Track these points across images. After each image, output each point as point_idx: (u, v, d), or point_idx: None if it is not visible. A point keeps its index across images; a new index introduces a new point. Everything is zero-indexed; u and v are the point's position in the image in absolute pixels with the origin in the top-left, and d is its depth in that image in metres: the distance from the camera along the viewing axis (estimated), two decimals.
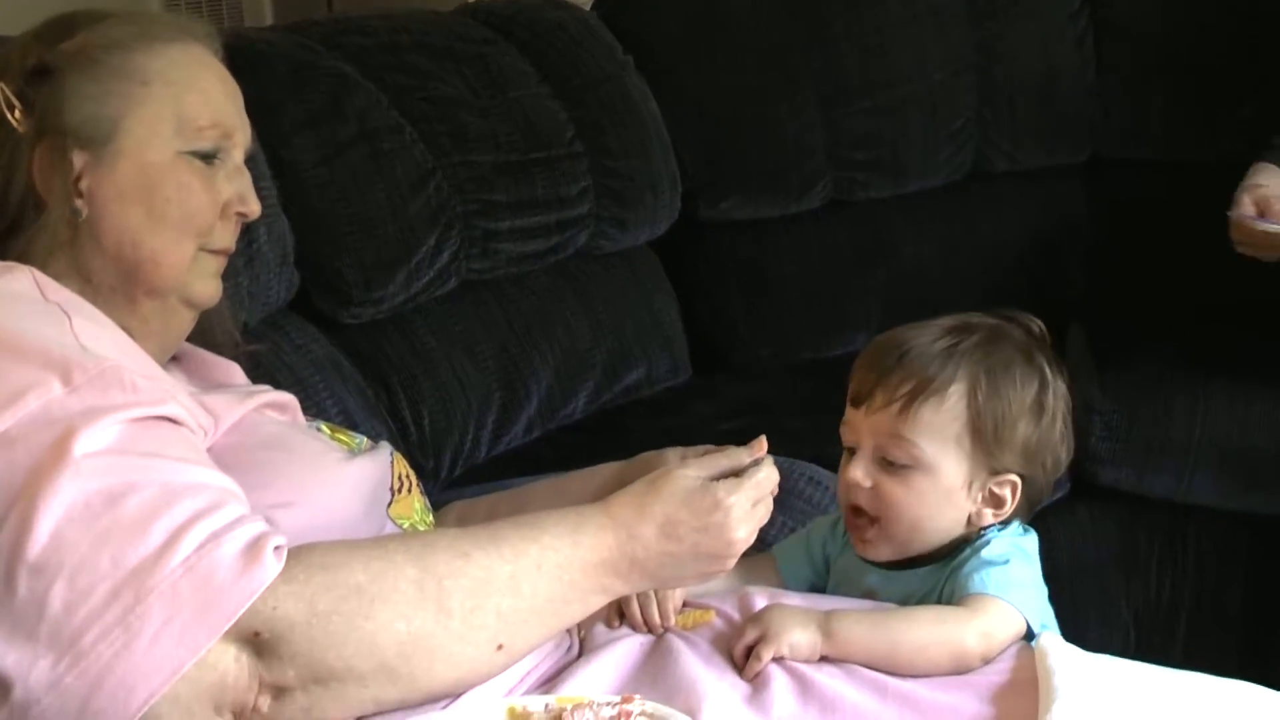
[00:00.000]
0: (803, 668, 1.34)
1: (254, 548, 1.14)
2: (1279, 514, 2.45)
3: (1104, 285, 2.71)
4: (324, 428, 1.60)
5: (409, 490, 1.53)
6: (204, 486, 1.18)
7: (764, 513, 1.33)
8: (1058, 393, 1.52)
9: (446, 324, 2.47)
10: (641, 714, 1.19)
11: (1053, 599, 1.53)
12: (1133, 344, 2.54)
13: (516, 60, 2.70)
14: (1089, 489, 2.53)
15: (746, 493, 1.30)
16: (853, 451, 1.52)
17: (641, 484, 1.32)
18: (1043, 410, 1.50)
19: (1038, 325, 1.57)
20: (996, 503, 1.50)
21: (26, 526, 1.09)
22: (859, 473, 1.49)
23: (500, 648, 1.23)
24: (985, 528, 1.51)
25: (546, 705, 1.22)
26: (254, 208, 1.48)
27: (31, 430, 1.13)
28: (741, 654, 1.36)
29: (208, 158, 1.42)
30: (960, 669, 1.37)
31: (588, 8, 3.11)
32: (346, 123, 2.34)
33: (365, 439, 1.59)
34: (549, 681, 1.33)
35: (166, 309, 1.44)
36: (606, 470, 1.64)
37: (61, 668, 1.08)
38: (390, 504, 1.48)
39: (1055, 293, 2.87)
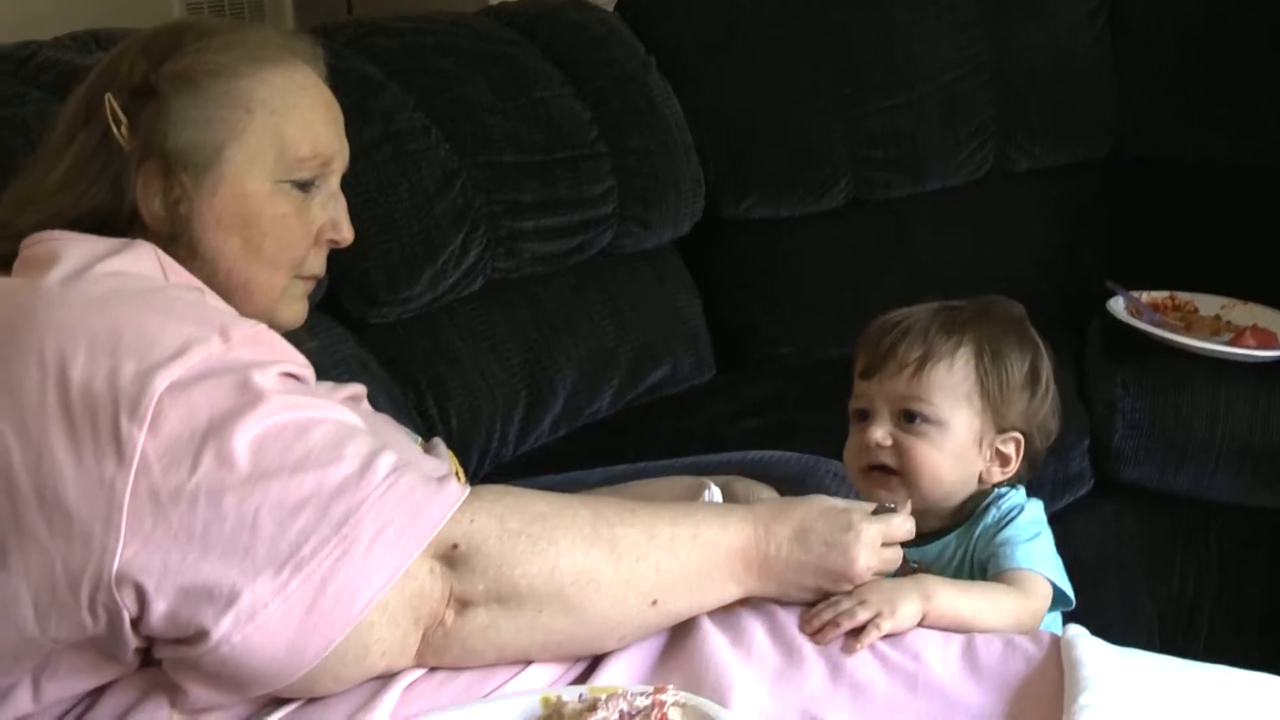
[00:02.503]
0: (836, 651, 1.36)
1: (440, 476, 1.25)
2: None
3: (1127, 283, 2.71)
4: None
5: None
6: (367, 430, 1.27)
7: (891, 557, 1.42)
8: (1047, 366, 1.64)
9: (472, 323, 2.49)
10: (674, 704, 1.21)
11: (1077, 594, 1.56)
12: (1153, 341, 2.55)
13: (540, 61, 2.72)
14: (1112, 486, 2.56)
15: (879, 526, 1.40)
16: (862, 417, 1.61)
17: (787, 498, 1.47)
18: (1038, 377, 1.62)
19: (1019, 308, 1.68)
20: (1003, 460, 1.61)
21: (226, 458, 1.16)
22: (879, 433, 1.58)
23: (655, 603, 1.31)
24: (997, 485, 1.62)
25: (580, 695, 1.24)
26: (347, 235, 1.51)
27: (204, 377, 1.18)
28: (848, 631, 1.37)
29: (304, 186, 1.45)
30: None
31: (610, 9, 3.13)
32: (372, 124, 2.35)
33: (418, 436, 1.64)
34: (584, 674, 1.34)
35: None
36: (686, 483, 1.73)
37: (285, 574, 1.15)
38: None
39: (1076, 290, 2.87)
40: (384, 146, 2.35)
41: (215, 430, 1.16)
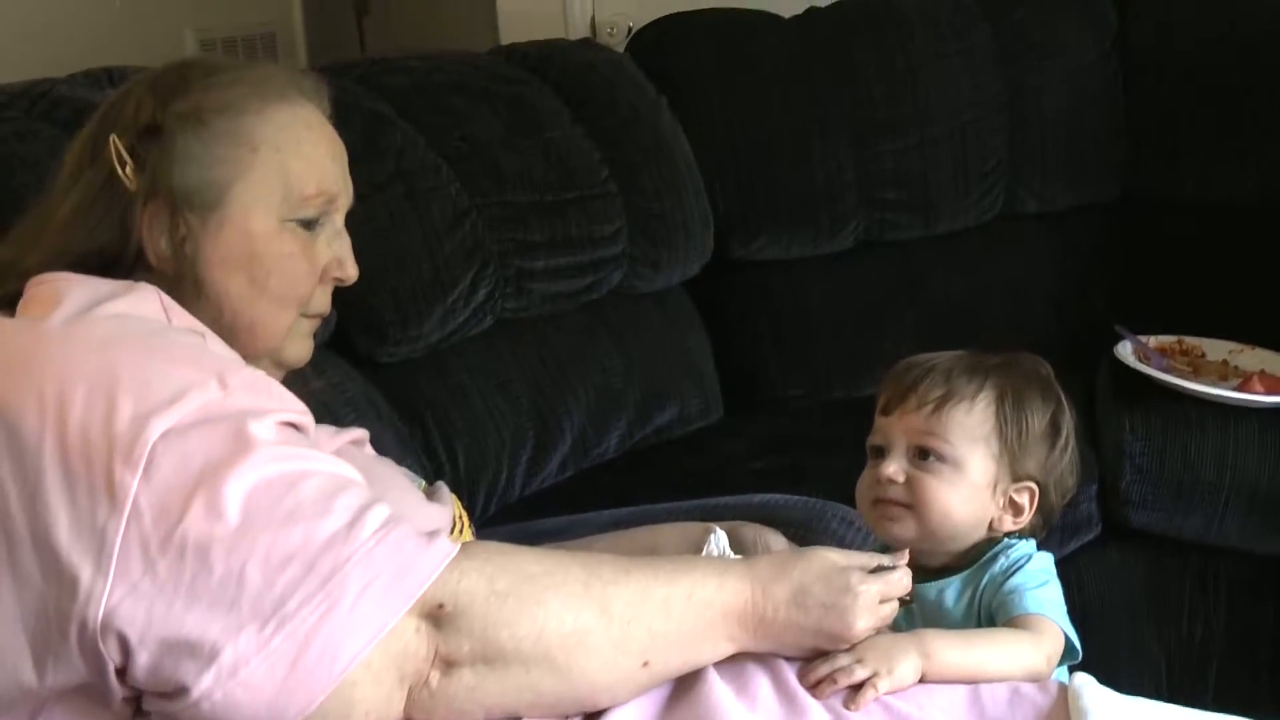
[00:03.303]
0: (838, 704, 1.36)
1: (430, 532, 1.23)
2: None
3: (1135, 326, 2.71)
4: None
5: (461, 530, 1.56)
6: (361, 481, 1.26)
7: (888, 612, 1.41)
8: (1070, 423, 1.64)
9: (481, 362, 2.50)
10: None
11: (1084, 640, 1.55)
12: (1161, 386, 2.55)
13: (550, 101, 2.73)
14: (1120, 531, 2.54)
15: (878, 586, 1.38)
16: (878, 453, 1.61)
17: (788, 552, 1.46)
18: (1058, 431, 1.62)
19: (1045, 366, 1.67)
20: (1016, 509, 1.60)
21: (216, 509, 1.14)
22: (893, 468, 1.58)
23: (646, 664, 1.30)
24: (1008, 534, 1.61)
25: None
26: (351, 272, 1.51)
27: (199, 424, 1.18)
28: (844, 687, 1.37)
29: (309, 224, 1.46)
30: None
31: (621, 49, 3.15)
32: (383, 162, 2.37)
33: (421, 479, 1.63)
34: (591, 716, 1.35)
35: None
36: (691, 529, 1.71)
37: (269, 630, 1.13)
38: None
39: (1086, 333, 2.85)
40: (395, 184, 2.36)
41: (206, 480, 1.15)
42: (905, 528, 1.58)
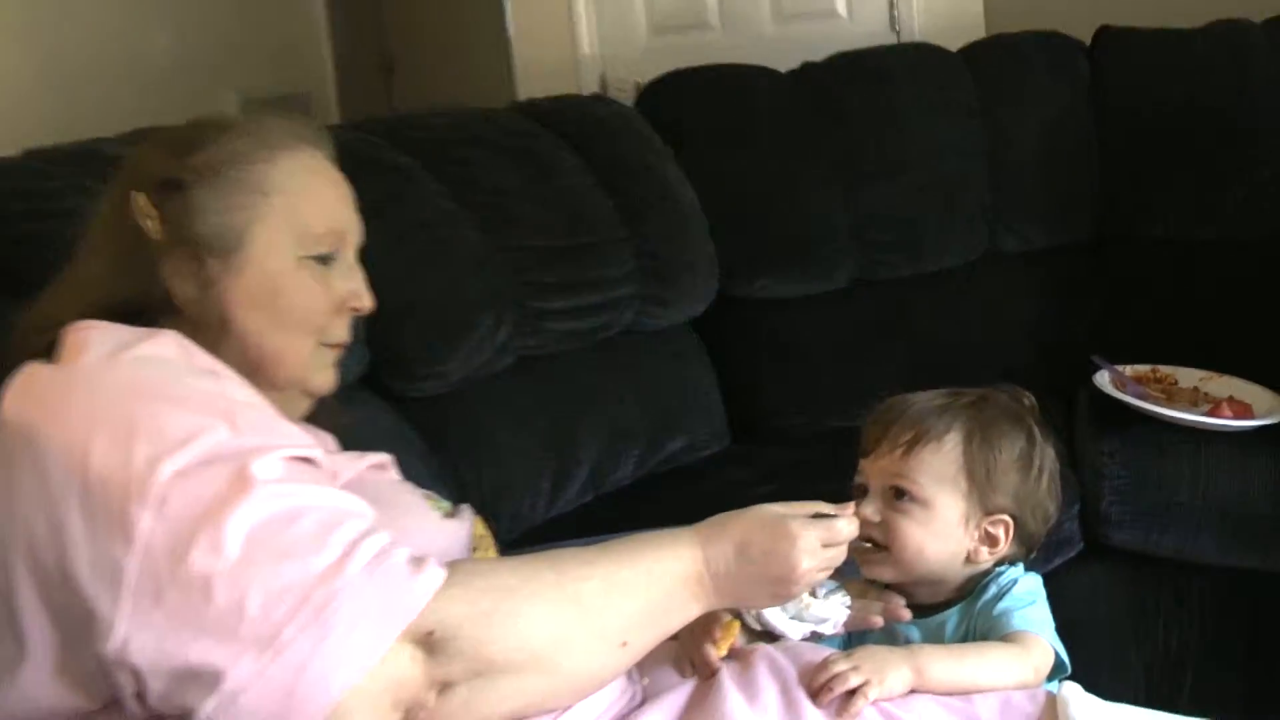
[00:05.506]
0: (836, 712, 1.44)
1: (419, 560, 1.27)
2: (1278, 570, 2.52)
3: (1112, 357, 2.79)
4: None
5: (486, 550, 1.64)
6: (363, 512, 1.31)
7: (835, 555, 1.47)
8: (1044, 452, 1.68)
9: (503, 397, 2.58)
10: None
11: (1068, 652, 1.63)
12: (1137, 412, 2.63)
13: (564, 153, 2.82)
14: (1100, 549, 2.61)
15: (817, 531, 1.44)
16: (860, 493, 1.66)
17: (729, 513, 1.47)
18: (1030, 463, 1.66)
19: (1028, 398, 1.72)
20: (991, 541, 1.65)
21: (218, 545, 1.19)
22: (869, 510, 1.62)
23: (624, 645, 1.37)
24: (999, 564, 1.67)
25: None
26: (367, 303, 1.57)
27: (206, 466, 1.23)
28: (841, 696, 1.44)
29: (324, 259, 1.52)
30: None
31: (629, 103, 3.24)
32: (408, 212, 2.46)
33: (448, 502, 1.70)
34: None
35: (286, 399, 1.53)
36: None
37: (266, 658, 1.18)
38: None
39: (1066, 364, 2.92)
40: (419, 233, 2.46)
41: (210, 517, 1.20)
42: (883, 571, 1.64)
